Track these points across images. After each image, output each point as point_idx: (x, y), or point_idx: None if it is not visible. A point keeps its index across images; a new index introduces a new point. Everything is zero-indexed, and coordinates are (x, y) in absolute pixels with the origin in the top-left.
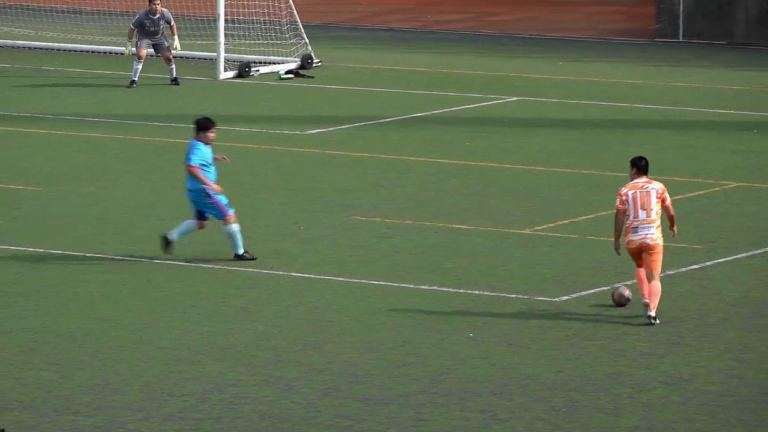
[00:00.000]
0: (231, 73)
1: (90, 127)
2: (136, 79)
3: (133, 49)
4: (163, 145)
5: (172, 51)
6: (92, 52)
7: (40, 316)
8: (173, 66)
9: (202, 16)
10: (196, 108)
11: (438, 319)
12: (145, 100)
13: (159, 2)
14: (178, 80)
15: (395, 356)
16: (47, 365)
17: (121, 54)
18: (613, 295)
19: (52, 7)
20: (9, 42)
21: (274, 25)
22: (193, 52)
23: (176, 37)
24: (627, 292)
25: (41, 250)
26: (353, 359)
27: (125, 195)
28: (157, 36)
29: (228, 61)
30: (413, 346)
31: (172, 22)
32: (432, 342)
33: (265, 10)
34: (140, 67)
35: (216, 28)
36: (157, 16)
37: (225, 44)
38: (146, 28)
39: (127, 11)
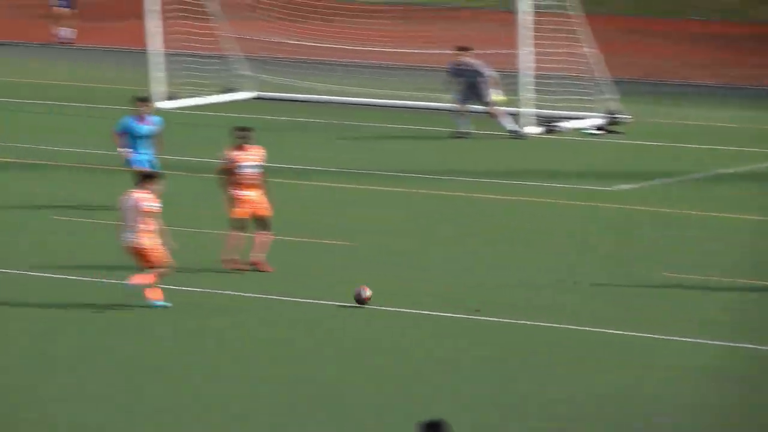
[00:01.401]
0: (537, 129)
1: (400, 181)
2: (467, 130)
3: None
4: (465, 201)
5: (496, 100)
6: (407, 107)
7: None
8: (502, 118)
9: (508, 71)
10: (501, 164)
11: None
12: (448, 155)
13: (465, 52)
14: (519, 132)
15: None
16: None
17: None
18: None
19: (354, 62)
20: (313, 97)
21: (580, 80)
22: (497, 107)
23: (494, 90)
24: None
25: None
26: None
27: (445, 252)
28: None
29: (534, 116)
30: None
31: (494, 75)
32: None
33: (572, 66)
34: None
35: (521, 83)
36: (469, 67)
37: (531, 99)
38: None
39: (428, 65)
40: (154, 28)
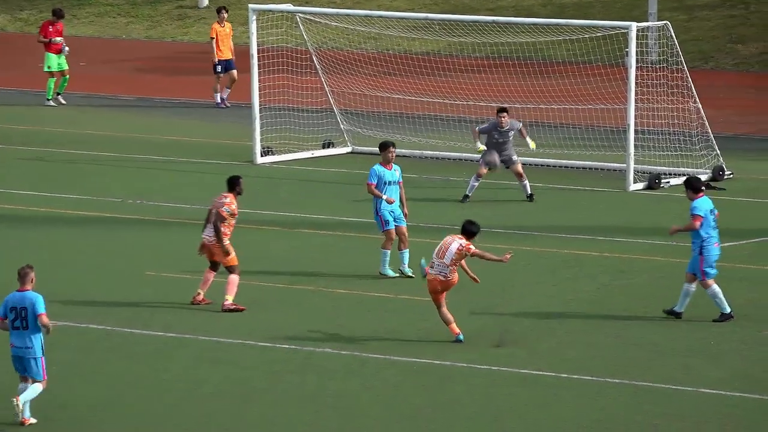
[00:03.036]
0: (641, 185)
1: (486, 237)
2: (469, 194)
3: (484, 147)
4: (570, 258)
5: (531, 149)
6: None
7: (444, 429)
8: (526, 182)
9: (611, 127)
10: (605, 220)
11: None
12: (549, 212)
13: (506, 115)
14: (533, 197)
15: None
16: None
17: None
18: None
19: (457, 117)
20: (415, 152)
21: (684, 135)
22: (602, 163)
23: (529, 138)
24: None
25: (445, 362)
26: None
27: (531, 306)
28: (506, 150)
29: (638, 172)
30: None
31: (520, 126)
32: None
33: (676, 121)
34: (477, 184)
35: (625, 138)
36: (506, 128)
37: (634, 155)
38: (494, 139)
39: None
40: (254, 83)
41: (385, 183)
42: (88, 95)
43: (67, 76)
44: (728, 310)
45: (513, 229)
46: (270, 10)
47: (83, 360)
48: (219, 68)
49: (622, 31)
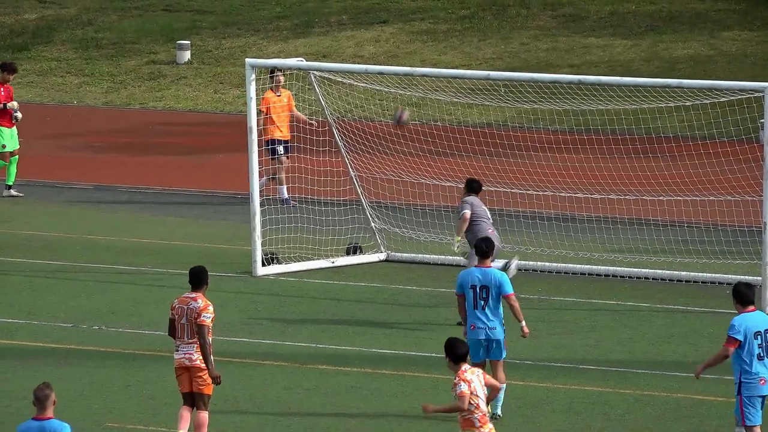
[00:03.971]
0: None
1: (574, 376)
2: None
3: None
4: (687, 404)
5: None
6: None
7: None
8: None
9: (741, 226)
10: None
11: None
12: (654, 344)
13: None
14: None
15: None
16: None
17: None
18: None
19: (531, 212)
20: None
21: None
22: (728, 276)
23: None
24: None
25: None
26: None
27: None
28: None
29: None
30: None
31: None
32: None
33: None
34: None
35: (761, 242)
36: None
37: None
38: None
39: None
40: (253, 166)
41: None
42: (26, 182)
43: (17, 157)
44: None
45: (606, 365)
46: (275, 67)
47: None
48: (281, 149)
49: (756, 95)
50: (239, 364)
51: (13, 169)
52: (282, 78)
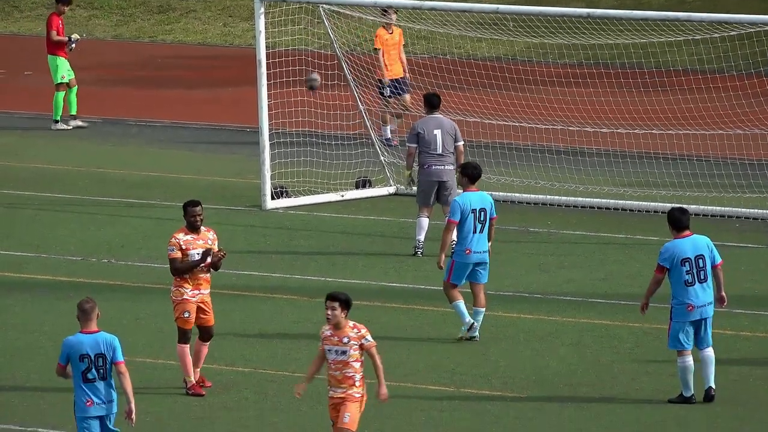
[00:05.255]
0: None
1: (583, 310)
2: None
3: None
4: None
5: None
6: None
7: None
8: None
9: (751, 159)
10: (746, 287)
11: None
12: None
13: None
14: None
15: None
16: None
17: None
18: None
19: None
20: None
21: None
22: (738, 209)
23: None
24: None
25: None
26: None
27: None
28: None
29: None
30: None
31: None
32: None
33: None
34: None
35: None
36: None
37: None
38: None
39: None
40: (262, 100)
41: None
42: (35, 116)
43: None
44: (691, 392)
45: (616, 298)
46: (284, 0)
47: None
48: (387, 91)
49: (766, 28)
50: (249, 297)
51: (74, 99)
52: (394, 16)
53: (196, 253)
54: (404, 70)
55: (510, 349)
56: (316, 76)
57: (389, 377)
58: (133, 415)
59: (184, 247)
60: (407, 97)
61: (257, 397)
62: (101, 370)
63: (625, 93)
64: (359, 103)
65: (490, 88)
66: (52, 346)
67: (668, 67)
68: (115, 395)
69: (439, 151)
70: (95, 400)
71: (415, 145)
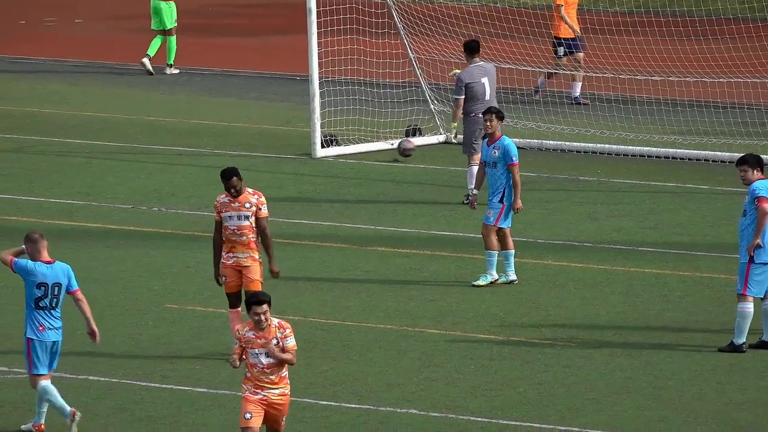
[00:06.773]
0: None
1: (633, 259)
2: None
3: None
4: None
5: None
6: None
7: None
8: None
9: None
10: None
11: None
12: (717, 226)
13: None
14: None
15: None
16: None
17: None
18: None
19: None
20: (535, 142)
21: None
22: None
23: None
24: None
25: None
26: None
27: None
28: None
29: None
30: None
31: None
32: None
33: None
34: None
35: None
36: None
37: None
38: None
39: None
40: (312, 48)
41: None
42: (87, 64)
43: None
44: (743, 341)
45: (665, 247)
46: None
47: (81, 425)
48: (561, 51)
49: None
50: (298, 245)
51: (173, 47)
52: None
53: (231, 216)
54: (579, 28)
55: (560, 298)
56: (411, 145)
57: (439, 326)
58: (97, 336)
59: (219, 210)
60: (581, 56)
61: (307, 345)
62: (55, 299)
63: (676, 41)
64: (409, 51)
65: (540, 37)
66: (103, 295)
67: (719, 15)
68: (61, 323)
69: (487, 97)
70: (46, 325)
71: (463, 97)
